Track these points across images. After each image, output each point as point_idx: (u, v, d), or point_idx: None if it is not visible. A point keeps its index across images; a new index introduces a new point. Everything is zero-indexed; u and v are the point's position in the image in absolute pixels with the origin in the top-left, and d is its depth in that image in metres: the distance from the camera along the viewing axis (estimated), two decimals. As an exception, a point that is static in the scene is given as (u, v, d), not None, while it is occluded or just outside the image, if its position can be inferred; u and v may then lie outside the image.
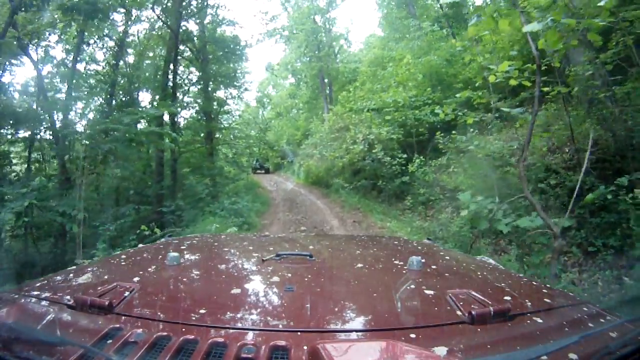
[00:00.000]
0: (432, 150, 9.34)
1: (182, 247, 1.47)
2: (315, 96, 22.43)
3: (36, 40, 9.73)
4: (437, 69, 10.24)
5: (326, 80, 20.72)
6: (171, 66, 11.47)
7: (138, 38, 12.92)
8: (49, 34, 10.13)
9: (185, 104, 13.18)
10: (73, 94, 10.16)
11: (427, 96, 9.83)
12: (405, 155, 9.42)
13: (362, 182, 10.63)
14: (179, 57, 12.97)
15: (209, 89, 13.46)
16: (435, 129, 9.20)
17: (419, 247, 1.58)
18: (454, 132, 7.28)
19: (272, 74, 25.81)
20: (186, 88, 13.55)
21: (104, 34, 11.32)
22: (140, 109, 9.70)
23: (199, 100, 13.35)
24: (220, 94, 14.22)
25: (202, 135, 13.27)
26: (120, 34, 11.80)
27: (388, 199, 9.63)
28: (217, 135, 13.70)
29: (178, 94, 12.61)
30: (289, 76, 25.74)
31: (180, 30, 11.75)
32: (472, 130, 6.72)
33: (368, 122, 10.67)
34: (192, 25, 12.56)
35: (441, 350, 0.62)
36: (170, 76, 11.74)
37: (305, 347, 0.63)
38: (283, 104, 27.67)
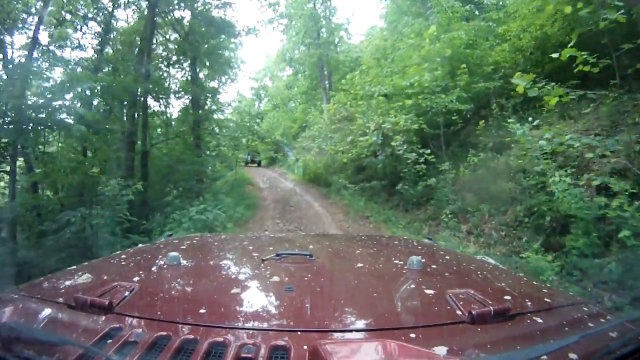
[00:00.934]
0: (462, 145, 8.39)
1: (182, 247, 1.62)
2: (313, 86, 23.48)
3: (20, 26, 9.77)
4: (461, 51, 9.32)
5: (326, 72, 21.67)
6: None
7: (127, 23, 12.81)
8: (30, 18, 10.12)
9: (163, 85, 12.73)
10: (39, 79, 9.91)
11: (459, 77, 8.50)
12: (428, 151, 8.36)
13: (373, 184, 9.77)
14: (170, 45, 13.15)
15: (198, 72, 13.72)
16: (465, 119, 8.31)
17: (419, 247, 1.75)
18: (510, 120, 6.28)
19: (269, 59, 28.02)
20: (166, 70, 13.40)
21: (88, 16, 11.29)
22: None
23: (190, 98, 13.68)
24: (215, 86, 15.15)
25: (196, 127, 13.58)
26: (105, 17, 11.61)
27: (403, 204, 8.82)
28: (206, 127, 13.75)
29: (156, 74, 12.47)
30: (287, 68, 27.06)
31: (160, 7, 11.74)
32: (530, 119, 5.71)
33: (381, 109, 9.86)
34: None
35: (441, 350, 0.70)
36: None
37: (305, 347, 0.71)
38: (280, 94, 28.59)
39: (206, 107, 13.77)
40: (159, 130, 14.02)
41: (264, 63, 31.75)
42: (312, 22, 21.26)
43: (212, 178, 12.05)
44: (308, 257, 1.30)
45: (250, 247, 1.68)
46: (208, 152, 14.01)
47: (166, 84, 13.58)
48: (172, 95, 13.88)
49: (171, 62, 13.63)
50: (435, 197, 7.86)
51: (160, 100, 13.67)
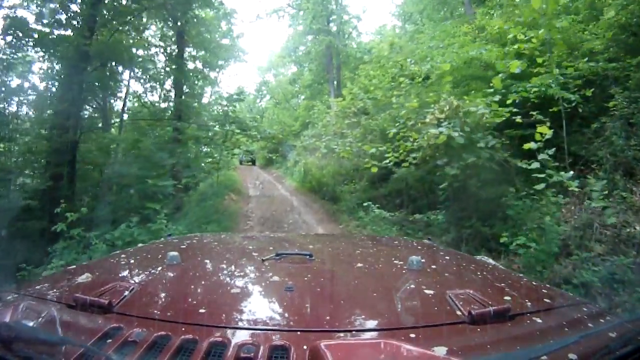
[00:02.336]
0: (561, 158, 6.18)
1: (182, 247, 1.93)
2: (319, 80, 26.01)
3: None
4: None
5: (334, 64, 23.90)
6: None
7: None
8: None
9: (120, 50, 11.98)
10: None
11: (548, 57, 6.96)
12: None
13: (438, 217, 7.64)
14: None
15: (172, 36, 13.89)
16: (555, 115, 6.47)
17: (419, 247, 2.08)
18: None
19: (273, 54, 31.28)
20: (119, 27, 12.42)
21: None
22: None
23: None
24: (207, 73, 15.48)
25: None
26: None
27: (472, 246, 6.52)
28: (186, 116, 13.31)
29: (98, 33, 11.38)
30: (292, 65, 31.12)
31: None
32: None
33: (446, 90, 8.00)
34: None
35: (441, 350, 0.86)
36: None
37: (305, 347, 0.86)
38: (282, 89, 31.82)
39: (186, 93, 13.77)
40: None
41: (268, 58, 35.91)
42: (321, 6, 23.84)
43: (161, 192, 10.22)
44: (308, 257, 1.57)
45: (250, 247, 2.04)
46: (204, 149, 14.47)
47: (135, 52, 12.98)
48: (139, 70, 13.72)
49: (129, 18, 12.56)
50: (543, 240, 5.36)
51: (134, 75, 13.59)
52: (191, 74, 14.43)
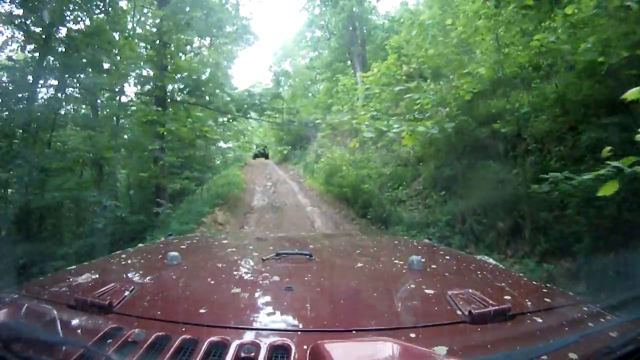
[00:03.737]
0: None
1: (182, 247, 2.06)
2: (340, 57, 25.27)
3: None
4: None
5: (357, 34, 23.28)
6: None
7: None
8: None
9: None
10: None
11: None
12: None
13: None
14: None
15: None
16: None
17: (419, 247, 2.24)
18: None
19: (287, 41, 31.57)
20: None
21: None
22: None
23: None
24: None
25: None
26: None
27: None
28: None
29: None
30: (308, 51, 31.95)
31: None
32: None
33: None
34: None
35: (441, 350, 0.93)
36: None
37: (305, 347, 0.93)
38: (299, 74, 31.59)
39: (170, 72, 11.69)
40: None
41: (282, 44, 37.82)
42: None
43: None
44: (308, 257, 1.71)
45: (251, 247, 2.21)
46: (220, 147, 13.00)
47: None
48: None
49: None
50: None
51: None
52: (176, 49, 12.94)
